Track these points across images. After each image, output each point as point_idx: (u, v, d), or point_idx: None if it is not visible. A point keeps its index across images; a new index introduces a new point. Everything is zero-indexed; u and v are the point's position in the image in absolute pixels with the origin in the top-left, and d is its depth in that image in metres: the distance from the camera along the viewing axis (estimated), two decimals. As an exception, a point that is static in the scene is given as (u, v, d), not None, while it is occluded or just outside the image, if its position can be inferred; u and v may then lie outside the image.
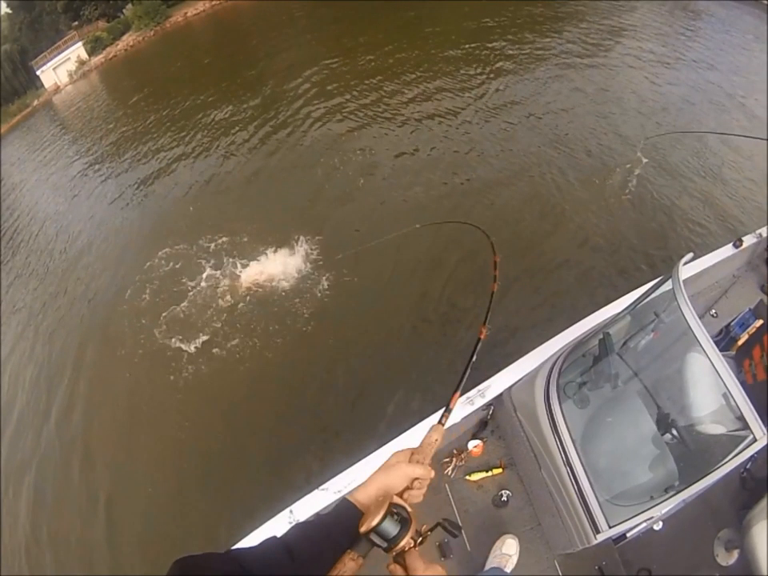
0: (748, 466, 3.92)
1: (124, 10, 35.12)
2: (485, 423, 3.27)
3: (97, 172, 13.49)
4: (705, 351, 2.37)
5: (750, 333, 4.47)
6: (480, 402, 2.97)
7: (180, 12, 30.98)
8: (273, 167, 10.29)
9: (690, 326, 2.42)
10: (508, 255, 6.63)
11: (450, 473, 3.18)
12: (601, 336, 2.85)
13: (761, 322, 4.74)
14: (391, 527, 1.05)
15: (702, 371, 2.44)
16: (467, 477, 3.15)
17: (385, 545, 1.05)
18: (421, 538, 1.10)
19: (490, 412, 3.17)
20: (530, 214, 7.76)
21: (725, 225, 7.65)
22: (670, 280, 2.61)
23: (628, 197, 8.26)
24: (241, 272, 7.38)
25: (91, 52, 31.92)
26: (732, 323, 4.50)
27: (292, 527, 1.12)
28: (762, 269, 5.40)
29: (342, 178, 9.18)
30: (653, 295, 2.82)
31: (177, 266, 7.89)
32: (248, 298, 6.99)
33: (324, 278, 6.93)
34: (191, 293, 7.29)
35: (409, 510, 1.10)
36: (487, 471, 3.17)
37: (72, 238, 10.85)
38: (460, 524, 1.08)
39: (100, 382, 6.81)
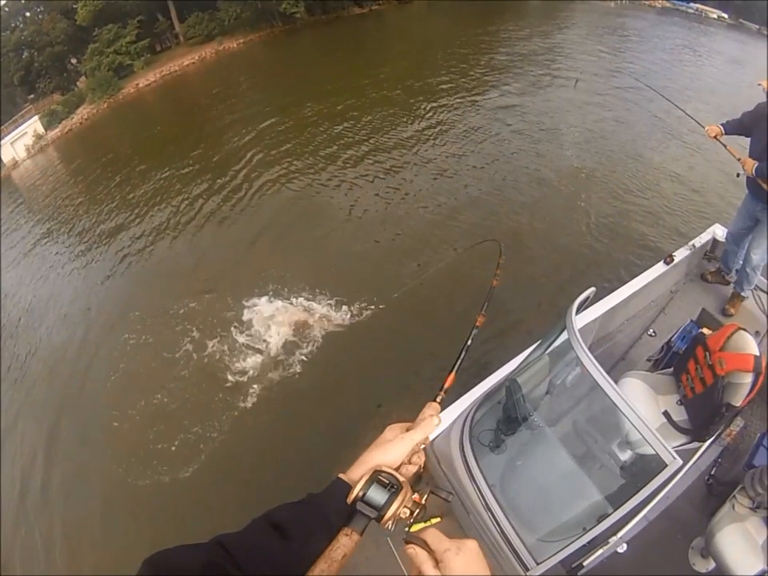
0: (713, 472, 4.05)
1: (78, 83, 35.37)
2: (419, 476, 3.26)
3: (60, 254, 13.37)
4: (603, 390, 2.42)
5: None
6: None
7: (131, 83, 31.32)
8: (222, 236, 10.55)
9: (588, 370, 2.50)
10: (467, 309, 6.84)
11: (390, 527, 3.17)
12: (507, 384, 2.93)
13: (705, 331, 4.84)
14: (378, 494, 1.01)
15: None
16: (407, 529, 3.14)
17: (374, 514, 1.00)
18: (418, 509, 1.05)
19: (422, 465, 3.21)
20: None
21: (670, 240, 7.88)
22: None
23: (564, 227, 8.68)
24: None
25: (47, 126, 31.88)
26: (673, 338, 4.59)
27: (279, 506, 1.04)
28: (704, 271, 5.55)
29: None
30: (559, 340, 2.87)
31: (150, 340, 8.01)
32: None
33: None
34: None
35: (400, 477, 1.06)
36: (426, 521, 3.16)
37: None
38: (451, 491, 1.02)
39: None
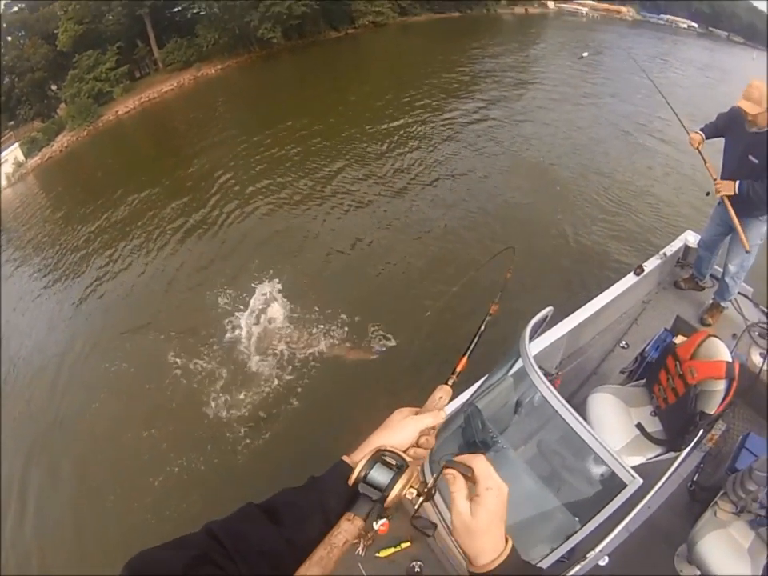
0: (695, 478, 4.02)
1: (58, 110, 35.29)
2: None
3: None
4: (561, 416, 2.42)
5: None
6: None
7: (111, 111, 31.22)
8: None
9: (543, 395, 2.48)
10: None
11: (359, 552, 3.21)
12: (466, 409, 2.89)
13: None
14: (381, 475, 0.94)
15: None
16: (378, 554, 3.19)
17: (377, 495, 0.92)
18: (427, 490, 0.95)
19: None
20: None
21: (645, 252, 7.94)
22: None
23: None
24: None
25: (28, 153, 31.72)
26: (646, 348, 4.57)
27: (279, 492, 1.00)
28: (677, 278, 5.56)
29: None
30: (519, 363, 2.84)
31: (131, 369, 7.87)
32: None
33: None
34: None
35: (405, 457, 0.98)
36: (396, 546, 3.22)
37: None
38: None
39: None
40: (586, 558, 2.83)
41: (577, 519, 2.51)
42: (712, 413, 3.18)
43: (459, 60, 21.95)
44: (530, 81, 19.30)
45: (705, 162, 4.65)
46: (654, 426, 3.61)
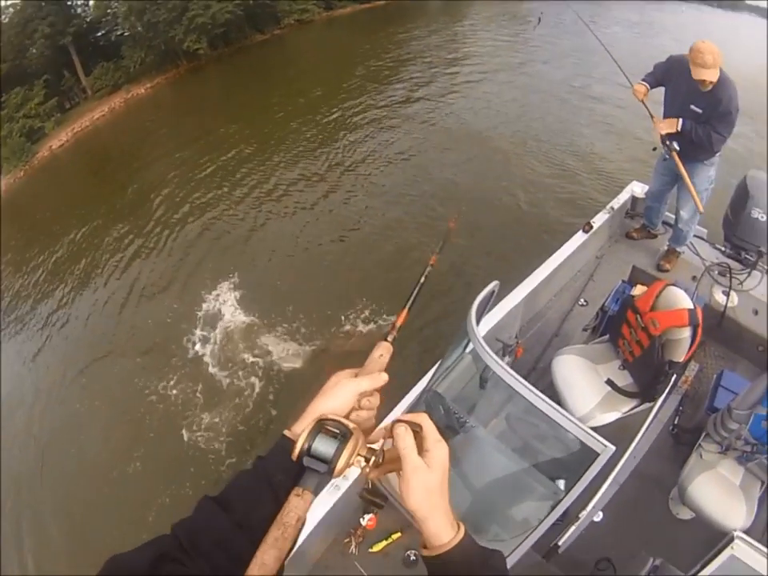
0: (676, 421, 4.06)
1: (-9, 154, 34.42)
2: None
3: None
4: (520, 394, 2.31)
5: None
6: (346, 484, 2.88)
7: (45, 146, 30.31)
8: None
9: (497, 374, 2.39)
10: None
11: (353, 551, 3.17)
12: (426, 396, 2.84)
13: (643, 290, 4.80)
14: (325, 445, 0.87)
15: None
16: (371, 549, 3.17)
17: (324, 468, 0.86)
18: (374, 457, 0.90)
19: (369, 485, 3.01)
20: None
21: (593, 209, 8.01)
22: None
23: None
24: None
25: (-35, 202, 30.97)
26: (606, 302, 4.54)
27: (232, 478, 0.96)
28: (628, 230, 5.57)
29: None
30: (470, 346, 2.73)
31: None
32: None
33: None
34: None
35: (349, 424, 0.92)
36: (387, 539, 3.21)
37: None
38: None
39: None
40: (579, 517, 2.83)
41: (560, 483, 2.44)
42: (681, 360, 3.17)
43: (387, 47, 21.86)
44: (459, 58, 19.33)
45: (652, 116, 4.57)
46: (624, 379, 3.59)
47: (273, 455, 0.97)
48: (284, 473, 0.91)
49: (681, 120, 4.24)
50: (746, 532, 2.77)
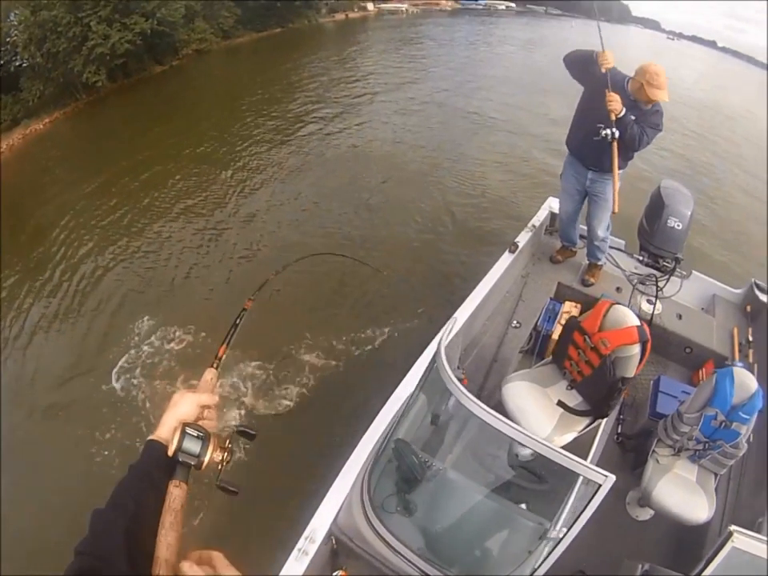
0: (619, 430, 4.24)
1: None
2: (335, 553, 2.92)
3: None
4: (506, 434, 2.33)
5: (562, 323, 4.62)
6: (313, 547, 2.71)
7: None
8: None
9: (476, 414, 2.34)
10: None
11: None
12: (393, 445, 2.77)
13: (573, 306, 4.96)
14: (193, 444, 1.10)
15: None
16: None
17: (194, 461, 1.10)
18: (225, 452, 1.16)
19: (333, 542, 2.87)
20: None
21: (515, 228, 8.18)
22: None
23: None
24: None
25: None
26: (538, 322, 4.70)
27: (115, 486, 1.09)
28: (551, 253, 5.64)
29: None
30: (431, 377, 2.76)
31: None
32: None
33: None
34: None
35: (206, 428, 1.16)
36: None
37: None
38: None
39: None
40: (549, 538, 2.83)
41: (542, 517, 2.49)
42: (632, 375, 3.32)
43: (292, 78, 21.56)
44: (356, 91, 19.10)
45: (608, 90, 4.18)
46: (574, 399, 3.66)
47: (147, 456, 1.12)
48: (159, 469, 1.09)
49: (624, 108, 4.18)
50: (710, 521, 3.13)
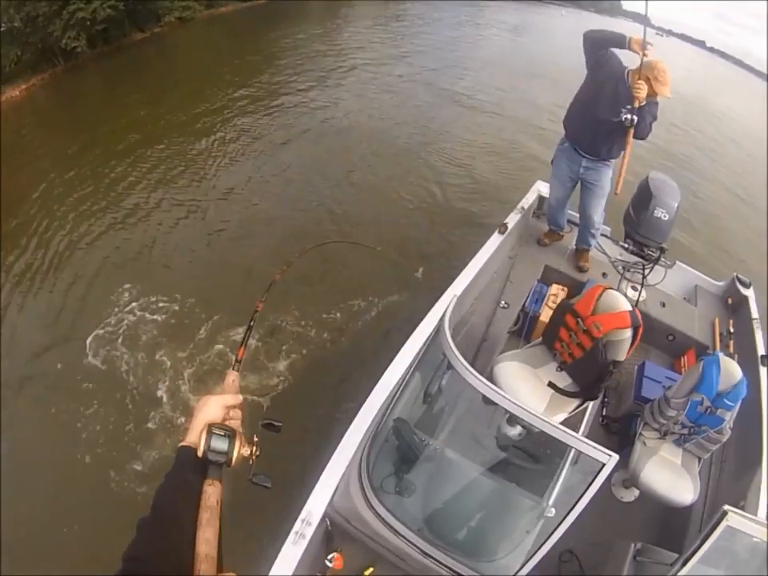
0: (604, 413, 4.36)
1: None
2: (330, 535, 2.89)
3: None
4: (519, 416, 2.35)
5: (549, 305, 4.72)
6: (310, 530, 2.67)
7: None
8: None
9: (485, 395, 2.42)
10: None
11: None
12: (393, 425, 2.77)
13: (560, 289, 5.01)
14: (220, 443, 1.15)
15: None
16: None
17: (224, 458, 1.15)
18: (254, 447, 1.22)
19: (328, 524, 2.86)
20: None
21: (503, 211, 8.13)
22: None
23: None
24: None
25: None
26: (526, 303, 4.76)
27: (155, 493, 1.14)
28: (539, 236, 5.70)
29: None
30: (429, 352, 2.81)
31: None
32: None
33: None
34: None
35: (232, 426, 1.22)
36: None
37: None
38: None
39: None
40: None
41: (540, 497, 2.55)
42: (622, 359, 3.42)
43: (274, 50, 21.03)
44: (342, 64, 18.82)
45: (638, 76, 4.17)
46: (564, 380, 3.73)
47: (180, 462, 1.17)
48: (194, 472, 1.14)
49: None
50: (694, 503, 3.24)
